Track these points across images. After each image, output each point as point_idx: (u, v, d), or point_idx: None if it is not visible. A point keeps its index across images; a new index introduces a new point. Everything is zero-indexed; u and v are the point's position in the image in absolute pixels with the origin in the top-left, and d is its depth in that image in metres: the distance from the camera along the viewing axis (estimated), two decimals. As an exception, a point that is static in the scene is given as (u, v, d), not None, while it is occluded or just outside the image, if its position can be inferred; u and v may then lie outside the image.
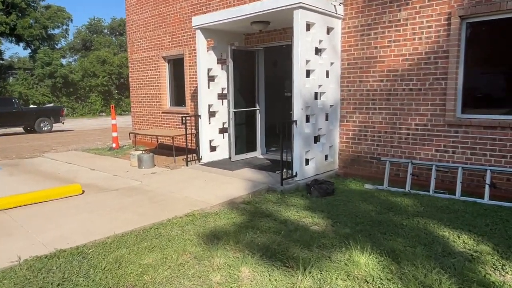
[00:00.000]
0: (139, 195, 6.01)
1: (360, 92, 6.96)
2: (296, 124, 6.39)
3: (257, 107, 8.74)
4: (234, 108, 8.18)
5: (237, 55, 8.09)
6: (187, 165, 8.05)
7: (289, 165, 6.92)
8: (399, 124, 6.55)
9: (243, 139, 8.52)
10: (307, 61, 6.49)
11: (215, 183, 6.53)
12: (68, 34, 41.25)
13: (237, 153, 8.37)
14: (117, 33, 47.54)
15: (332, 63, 7.03)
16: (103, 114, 35.33)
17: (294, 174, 6.53)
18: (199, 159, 8.28)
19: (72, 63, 42.02)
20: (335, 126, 7.28)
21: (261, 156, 8.81)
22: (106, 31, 47.87)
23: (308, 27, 6.46)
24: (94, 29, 46.84)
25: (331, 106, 7.13)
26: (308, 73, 6.59)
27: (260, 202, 5.55)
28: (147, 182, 6.85)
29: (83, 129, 20.55)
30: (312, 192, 5.88)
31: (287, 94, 10.13)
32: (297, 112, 6.39)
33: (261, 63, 8.68)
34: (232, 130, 8.21)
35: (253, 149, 8.81)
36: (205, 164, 8.02)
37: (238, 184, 6.44)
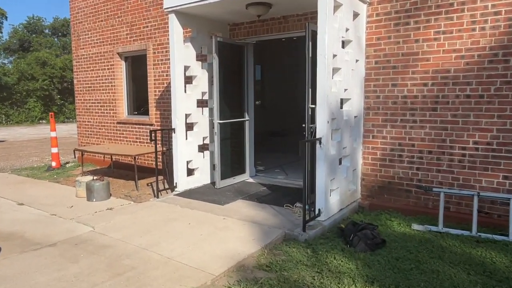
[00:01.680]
0: (91, 257, 3.79)
1: (393, 100, 5.24)
2: (320, 144, 4.51)
3: (246, 117, 6.77)
4: (220, 119, 6.16)
5: (222, 50, 6.09)
6: (157, 196, 5.86)
7: (296, 192, 5.04)
8: (450, 141, 4.89)
9: (229, 159, 6.50)
10: (334, 56, 4.65)
11: (206, 229, 4.46)
12: (1, 33, 36.61)
13: (223, 177, 6.33)
14: (59, 33, 43.18)
15: (357, 61, 5.26)
16: (43, 121, 31.31)
17: (316, 212, 4.62)
18: (173, 187, 6.12)
19: (7, 64, 37.31)
20: (358, 143, 5.50)
21: (251, 180, 6.82)
22: (47, 31, 43.32)
23: (334, 9, 4.63)
24: (33, 29, 42.14)
25: (355, 117, 5.34)
26: (332, 73, 4.75)
27: (286, 266, 3.57)
28: (102, 228, 4.61)
29: (18, 140, 17.27)
30: (354, 242, 4.01)
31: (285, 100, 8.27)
32: (322, 126, 4.51)
33: (251, 61, 6.73)
34: (217, 147, 6.16)
35: (242, 170, 6.81)
36: (182, 194, 5.89)
37: (239, 229, 4.42)
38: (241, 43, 6.51)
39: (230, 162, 6.55)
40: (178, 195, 5.88)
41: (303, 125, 5.16)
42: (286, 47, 16.52)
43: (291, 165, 8.13)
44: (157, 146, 6.09)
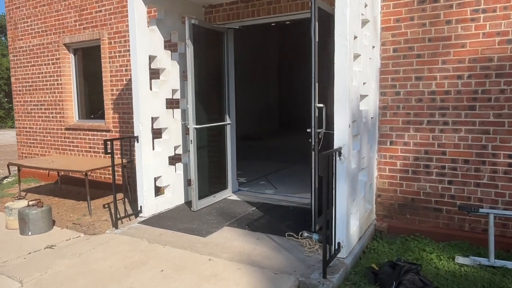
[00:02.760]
0: None
1: (418, 97, 4.15)
2: (340, 155, 3.31)
3: (227, 121, 5.47)
4: (196, 123, 4.83)
5: (197, 37, 4.77)
6: (116, 226, 4.43)
7: (294, 212, 3.87)
8: (493, 148, 3.87)
9: (207, 172, 5.19)
10: (354, 38, 3.49)
11: (187, 280, 3.12)
12: None
13: (201, 195, 5.00)
14: (5, 32, 39.63)
15: (373, 47, 4.14)
16: (-12, 127, 28.27)
17: (336, 247, 3.41)
18: (137, 212, 4.72)
19: None
20: (373, 152, 4.37)
21: (235, 197, 5.53)
22: (-8, 28, 39.61)
23: (352, -23, 3.47)
24: (-24, 26, 38.37)
25: (371, 118, 4.21)
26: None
27: None
28: (34, 284, 3.15)
29: (-48, 149, 14.89)
30: (399, 295, 2.84)
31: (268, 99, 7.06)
32: (342, 132, 3.32)
33: (231, 52, 5.45)
34: (193, 158, 4.83)
35: (223, 186, 5.50)
36: (149, 222, 4.50)
37: (234, 278, 3.12)
38: (221, 29, 5.22)
39: (209, 176, 5.23)
40: (144, 222, 4.49)
41: (308, 130, 3.97)
42: (255, 35, 15.37)
43: (277, 176, 6.93)
44: (117, 157, 4.67)
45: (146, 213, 4.67)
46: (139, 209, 4.67)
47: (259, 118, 14.08)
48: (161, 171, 4.89)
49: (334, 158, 3.26)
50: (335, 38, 3.28)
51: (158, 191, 5.33)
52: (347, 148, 3.31)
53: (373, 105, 4.24)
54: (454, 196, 4.07)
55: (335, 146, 3.34)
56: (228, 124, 5.47)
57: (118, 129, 6.48)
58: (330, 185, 3.18)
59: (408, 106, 4.21)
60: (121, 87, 6.37)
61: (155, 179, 4.87)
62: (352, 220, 3.70)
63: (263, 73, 14.78)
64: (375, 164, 4.42)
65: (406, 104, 4.22)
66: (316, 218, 4.06)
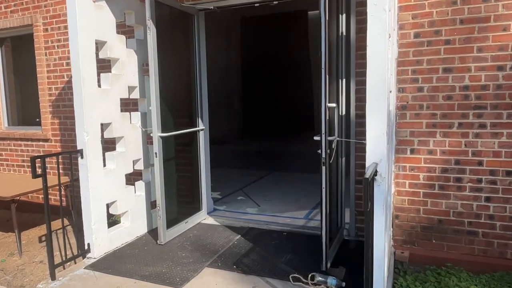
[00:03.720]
0: None
1: (447, 93, 3.29)
2: (376, 176, 2.33)
3: (200, 126, 4.35)
4: (162, 130, 3.68)
5: (161, 19, 3.63)
6: (53, 276, 3.16)
7: (290, 239, 2.90)
8: (544, 156, 3.08)
9: (176, 191, 4.05)
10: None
11: None
12: None
13: (170, 223, 3.84)
14: None
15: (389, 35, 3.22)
16: None
17: (370, 301, 2.42)
18: (84, 252, 3.47)
19: None
20: (391, 162, 3.46)
21: (211, 220, 4.41)
22: None
23: None
24: None
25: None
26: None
27: None
28: None
29: None
30: None
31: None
32: (377, 141, 2.34)
33: (203, 39, 4.34)
34: (159, 175, 3.67)
35: (196, 207, 4.37)
36: (100, 265, 3.28)
37: None
38: (191, 10, 4.09)
39: (179, 197, 4.09)
40: (93, 267, 3.27)
41: (316, 138, 2.96)
42: (217, 30, 14.25)
43: (256, 187, 5.88)
44: (55, 176, 3.41)
45: (97, 252, 3.45)
46: (86, 247, 3.44)
47: (222, 121, 12.97)
48: (115, 194, 3.68)
49: (371, 180, 2.27)
50: (368, 9, 2.29)
51: (112, 220, 4.11)
52: (385, 165, 2.34)
53: (392, 104, 3.33)
54: (493, 217, 3.25)
55: (368, 161, 2.36)
56: (201, 129, 4.35)
57: (59, 138, 5.13)
58: (370, 219, 2.19)
59: (434, 105, 3.34)
60: (62, 85, 5.03)
61: (108, 205, 3.65)
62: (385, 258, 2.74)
63: (225, 72, 13.69)
64: (391, 177, 3.51)
65: (431, 102, 3.35)
66: (328, 251, 3.07)
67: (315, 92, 13.86)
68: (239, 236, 3.88)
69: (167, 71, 3.78)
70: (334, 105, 2.95)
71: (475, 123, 3.23)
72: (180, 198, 4.19)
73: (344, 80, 3.48)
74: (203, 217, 4.41)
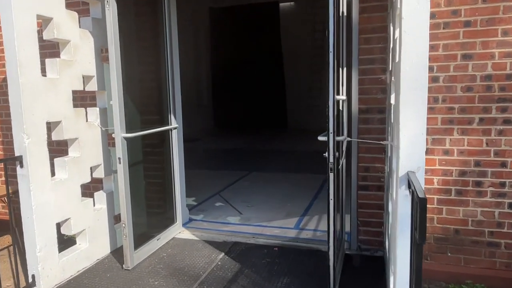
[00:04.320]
0: None
1: (466, 84, 2.81)
2: (410, 188, 1.79)
3: (173, 123, 3.66)
4: (127, 130, 2.98)
5: (124, -10, 2.92)
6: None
7: (284, 255, 2.34)
8: None
9: (145, 202, 3.37)
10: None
11: None
12: None
13: (138, 243, 3.14)
14: None
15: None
16: None
17: None
18: (28, 286, 2.73)
19: None
20: (402, 165, 2.96)
21: (187, 233, 3.74)
22: None
23: None
24: None
25: (406, 117, 2.78)
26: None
27: None
28: None
29: None
30: None
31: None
32: (415, 144, 1.80)
33: (174, 21, 3.63)
34: (123, 184, 2.97)
35: (169, 219, 3.69)
36: (48, 303, 2.58)
37: None
38: (159, -15, 3.39)
39: (149, 208, 3.41)
40: (39, 306, 2.55)
41: (321, 138, 2.39)
42: (182, 19, 13.42)
43: (234, 190, 5.26)
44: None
45: (45, 286, 2.71)
46: (30, 279, 2.69)
47: (192, 117, 12.21)
48: (68, 210, 2.94)
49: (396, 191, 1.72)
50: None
51: (64, 242, 3.37)
52: (423, 175, 1.79)
53: (405, 96, 2.82)
54: (518, 225, 2.83)
55: (401, 170, 1.80)
56: (174, 128, 3.66)
57: (1, 140, 4.27)
58: (414, 244, 1.65)
59: (451, 97, 2.85)
60: (3, 76, 4.17)
61: (59, 225, 2.91)
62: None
63: (194, 66, 12.91)
64: (401, 182, 3.01)
65: (447, 94, 2.86)
66: (336, 275, 2.52)
67: (288, 85, 13.39)
68: (223, 254, 3.26)
69: (132, 58, 3.08)
70: (343, 97, 2.40)
71: (499, 119, 2.77)
72: (150, 210, 3.51)
73: (345, 69, 2.93)
74: (178, 231, 3.74)
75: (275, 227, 3.83)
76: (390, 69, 2.72)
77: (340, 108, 2.50)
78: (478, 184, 2.87)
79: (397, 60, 1.98)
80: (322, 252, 3.17)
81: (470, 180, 2.88)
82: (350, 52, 3.05)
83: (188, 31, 12.19)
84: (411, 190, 1.71)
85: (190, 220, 4.07)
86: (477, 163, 2.85)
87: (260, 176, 6.10)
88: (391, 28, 2.71)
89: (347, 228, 3.30)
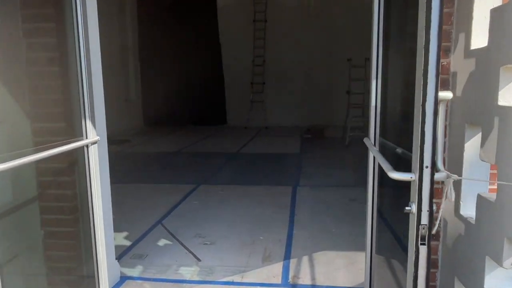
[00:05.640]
0: None
1: None
2: None
3: (90, 136, 2.20)
4: (-10, 158, 1.49)
5: None
6: None
7: None
8: None
9: (41, 262, 1.90)
10: None
11: None
12: None
13: None
14: None
15: None
16: None
17: None
18: None
19: None
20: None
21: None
22: None
23: None
24: None
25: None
26: None
27: None
28: None
29: None
30: None
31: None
32: None
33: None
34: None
35: (84, 284, 2.26)
36: None
37: None
38: None
39: (51, 272, 1.94)
40: None
41: (402, 177, 1.19)
42: (107, 12, 11.39)
43: (182, 218, 3.88)
44: None
45: None
46: None
47: (117, 115, 10.33)
48: None
49: None
50: None
51: None
52: None
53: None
54: None
55: None
56: (93, 143, 2.20)
57: None
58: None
59: None
60: None
61: None
62: None
63: (119, 58, 10.99)
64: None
65: None
66: None
67: (228, 78, 12.10)
68: None
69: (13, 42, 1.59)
70: (450, 95, 1.24)
71: None
72: (53, 277, 2.05)
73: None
74: (102, 305, 2.31)
75: (254, 285, 2.58)
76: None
77: (439, 115, 1.33)
78: None
79: None
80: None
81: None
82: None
83: (111, 13, 10.26)
84: None
85: (123, 279, 2.64)
86: None
87: (211, 192, 4.77)
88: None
89: None
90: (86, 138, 2.15)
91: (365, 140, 1.91)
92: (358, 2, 11.21)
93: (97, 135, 2.23)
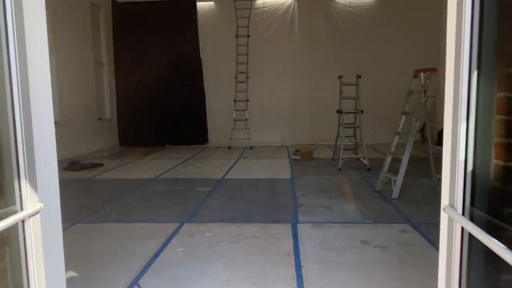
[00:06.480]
0: None
1: None
2: None
3: (27, 207, 1.46)
4: None
5: None
6: None
7: None
8: None
9: None
10: None
11: None
12: None
13: None
14: None
15: None
16: None
17: None
18: None
19: None
20: None
21: None
22: None
23: None
24: None
25: None
26: None
27: None
28: None
29: None
30: None
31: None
32: None
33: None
34: None
35: None
36: None
37: None
38: None
39: None
40: None
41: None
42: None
43: (163, 279, 3.11)
44: None
45: None
46: None
47: (88, 135, 9.43)
48: None
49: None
50: None
51: None
52: None
53: None
54: None
55: None
56: (33, 214, 1.45)
57: None
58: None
59: None
60: None
61: None
62: None
63: (93, 69, 10.12)
64: None
65: None
66: None
67: (209, 95, 11.42)
68: None
69: None
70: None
71: None
72: None
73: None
74: None
75: None
76: None
77: None
78: None
79: None
80: None
81: None
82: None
83: (84, 27, 9.45)
84: None
85: None
86: None
87: (197, 234, 4.02)
88: None
89: None
90: (22, 209, 1.41)
91: (447, 209, 1.27)
92: (343, 16, 10.86)
93: (41, 200, 1.49)
